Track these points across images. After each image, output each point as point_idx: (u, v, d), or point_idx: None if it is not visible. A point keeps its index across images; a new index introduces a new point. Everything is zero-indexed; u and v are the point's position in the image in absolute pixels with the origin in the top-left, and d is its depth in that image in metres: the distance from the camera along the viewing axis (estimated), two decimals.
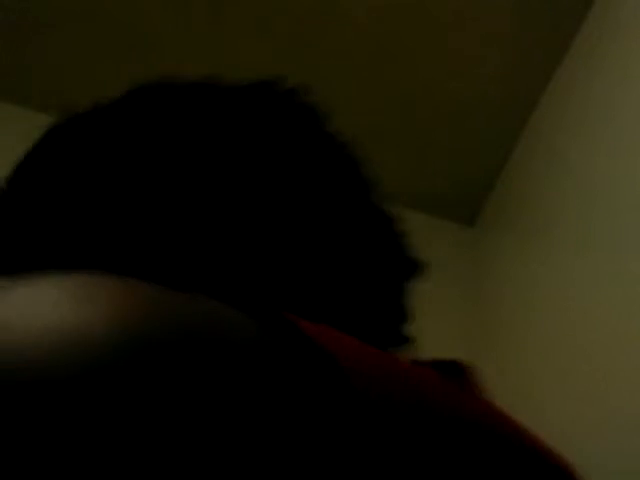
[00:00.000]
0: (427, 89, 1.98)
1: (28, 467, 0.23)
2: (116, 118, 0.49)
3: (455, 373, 0.43)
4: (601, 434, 1.34)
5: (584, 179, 1.62)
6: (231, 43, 1.98)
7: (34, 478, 0.22)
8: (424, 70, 1.94)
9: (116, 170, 0.46)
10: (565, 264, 1.63)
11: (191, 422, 0.23)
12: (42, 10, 2.00)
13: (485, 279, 2.13)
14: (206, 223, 0.44)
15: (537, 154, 1.87)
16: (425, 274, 2.18)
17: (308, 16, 1.88)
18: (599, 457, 1.32)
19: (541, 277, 1.73)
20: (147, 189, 0.45)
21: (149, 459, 0.23)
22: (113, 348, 0.24)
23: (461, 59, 1.89)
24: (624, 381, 1.31)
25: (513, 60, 1.86)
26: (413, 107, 2.03)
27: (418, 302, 2.16)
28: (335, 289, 0.46)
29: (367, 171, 0.52)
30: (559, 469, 0.32)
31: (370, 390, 0.27)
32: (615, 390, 1.34)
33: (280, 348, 0.27)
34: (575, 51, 1.75)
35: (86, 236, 0.44)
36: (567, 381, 1.51)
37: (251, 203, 0.45)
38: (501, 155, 2.09)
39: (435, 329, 2.09)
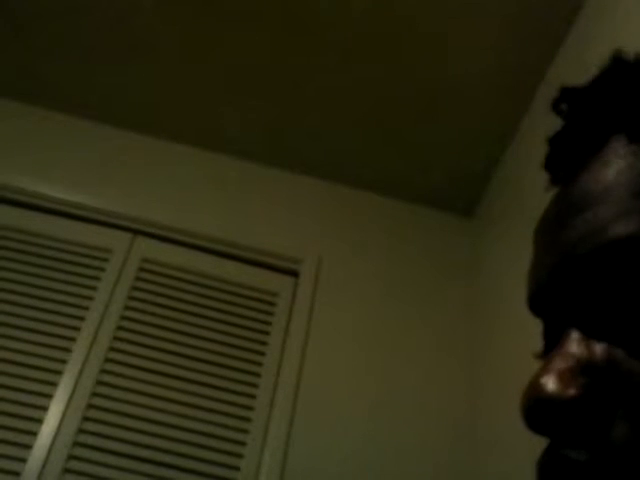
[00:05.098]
0: (425, 88, 2.01)
1: None
2: None
3: None
4: None
5: None
6: (227, 37, 2.00)
7: None
8: (422, 68, 1.97)
9: None
10: None
11: None
12: (40, 9, 2.02)
13: (483, 268, 2.18)
14: None
15: (533, 147, 1.91)
16: (426, 264, 2.20)
17: (306, 7, 1.90)
18: None
19: None
20: None
21: None
22: None
23: (459, 53, 1.92)
24: None
25: (510, 53, 1.89)
26: (411, 105, 2.06)
27: (419, 293, 2.20)
28: None
29: None
30: None
31: None
32: None
33: None
34: (572, 40, 1.79)
35: None
36: None
37: None
38: (498, 148, 2.13)
39: (436, 315, 2.14)
